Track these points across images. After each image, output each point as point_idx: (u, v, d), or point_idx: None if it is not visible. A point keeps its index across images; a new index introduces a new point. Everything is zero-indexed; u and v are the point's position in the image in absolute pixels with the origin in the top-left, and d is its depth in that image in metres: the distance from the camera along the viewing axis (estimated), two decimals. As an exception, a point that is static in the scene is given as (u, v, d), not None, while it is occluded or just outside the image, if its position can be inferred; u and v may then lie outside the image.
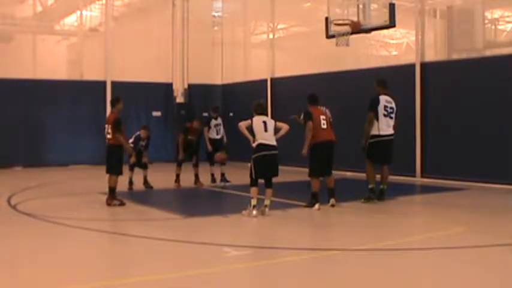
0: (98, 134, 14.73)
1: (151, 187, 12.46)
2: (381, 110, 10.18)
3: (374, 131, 10.19)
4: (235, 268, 6.03)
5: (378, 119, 10.15)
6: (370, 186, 10.24)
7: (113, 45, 18.30)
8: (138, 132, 12.34)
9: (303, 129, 9.71)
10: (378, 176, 10.42)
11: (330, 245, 7.28)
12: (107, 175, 10.10)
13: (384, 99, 10.27)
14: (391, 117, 10.28)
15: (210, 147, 13.20)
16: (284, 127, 9.21)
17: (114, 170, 10.04)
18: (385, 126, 10.21)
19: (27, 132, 17.46)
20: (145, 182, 12.47)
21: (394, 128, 10.34)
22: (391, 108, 10.30)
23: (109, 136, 10.06)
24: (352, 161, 11.65)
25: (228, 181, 13.27)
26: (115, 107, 10.36)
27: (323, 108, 9.96)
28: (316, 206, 9.46)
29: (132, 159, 12.16)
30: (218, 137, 13.43)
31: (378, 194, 10.34)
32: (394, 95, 10.54)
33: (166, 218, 9.18)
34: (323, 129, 9.70)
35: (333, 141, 9.82)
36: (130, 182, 12.19)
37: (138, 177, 12.30)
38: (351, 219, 9.19)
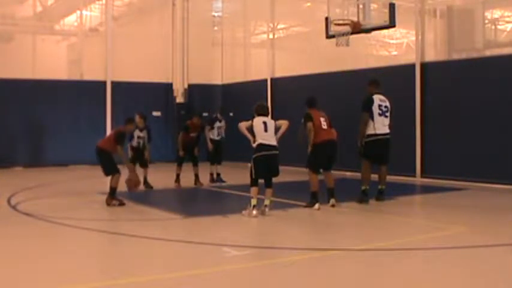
0: (98, 134, 14.72)
1: (151, 187, 12.47)
2: (375, 110, 10.14)
3: (370, 131, 10.16)
4: (235, 268, 6.03)
5: (373, 119, 10.13)
6: (362, 188, 10.19)
7: (113, 45, 18.31)
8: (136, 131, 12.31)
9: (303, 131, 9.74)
10: (376, 176, 10.40)
11: (330, 245, 7.28)
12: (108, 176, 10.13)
13: (377, 99, 10.25)
14: (386, 116, 10.25)
15: (210, 146, 13.29)
16: (284, 123, 9.23)
17: (110, 170, 10.07)
18: (380, 126, 10.18)
19: (27, 132, 17.45)
20: (145, 182, 12.46)
21: (390, 127, 10.33)
22: (386, 107, 10.27)
23: (103, 141, 10.31)
24: (352, 161, 11.64)
25: (223, 181, 13.31)
26: (125, 125, 10.65)
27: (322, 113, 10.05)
28: (316, 205, 9.46)
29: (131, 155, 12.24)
30: (218, 138, 13.51)
31: (376, 195, 10.33)
32: (390, 95, 10.52)
33: (166, 218, 9.18)
34: (324, 129, 9.74)
35: (335, 140, 9.83)
36: (131, 182, 12.18)
37: (138, 177, 12.31)
38: (351, 219, 9.19)
